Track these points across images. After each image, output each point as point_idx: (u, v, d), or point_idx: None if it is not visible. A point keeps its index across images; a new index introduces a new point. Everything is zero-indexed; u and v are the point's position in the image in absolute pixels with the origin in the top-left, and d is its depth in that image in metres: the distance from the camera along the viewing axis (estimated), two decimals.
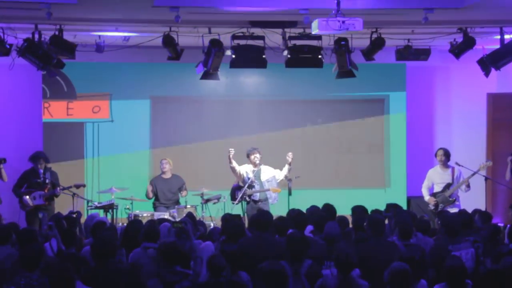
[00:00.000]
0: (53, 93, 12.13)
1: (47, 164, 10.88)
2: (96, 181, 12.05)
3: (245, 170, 10.97)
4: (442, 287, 5.99)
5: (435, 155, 11.10)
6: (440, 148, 11.13)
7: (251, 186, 10.87)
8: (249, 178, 10.85)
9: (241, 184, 10.99)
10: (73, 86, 12.19)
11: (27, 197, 10.64)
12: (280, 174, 11.05)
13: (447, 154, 10.93)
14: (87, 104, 12.23)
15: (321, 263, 6.60)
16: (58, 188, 10.74)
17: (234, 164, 10.92)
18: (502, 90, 12.55)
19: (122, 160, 12.19)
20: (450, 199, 10.77)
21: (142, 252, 7.01)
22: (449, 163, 10.95)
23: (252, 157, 10.95)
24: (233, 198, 10.99)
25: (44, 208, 10.62)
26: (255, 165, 10.95)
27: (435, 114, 13.16)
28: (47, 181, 10.72)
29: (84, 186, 11.07)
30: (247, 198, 10.84)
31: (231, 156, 10.84)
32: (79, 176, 11.95)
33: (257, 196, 10.88)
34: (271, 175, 11.01)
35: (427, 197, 11.00)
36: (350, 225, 8.21)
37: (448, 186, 10.84)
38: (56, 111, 12.18)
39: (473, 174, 10.78)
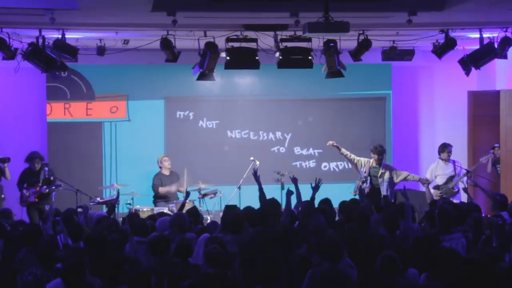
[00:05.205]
0: (73, 94, 12.14)
1: (43, 162, 10.89)
2: (114, 178, 12.03)
3: (363, 163, 10.79)
4: (426, 276, 5.85)
5: (442, 151, 11.01)
6: (448, 144, 11.06)
7: (364, 181, 10.67)
8: (364, 173, 10.70)
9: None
10: (92, 88, 12.19)
11: (25, 191, 10.72)
12: (401, 176, 10.72)
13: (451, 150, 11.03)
14: (105, 104, 12.24)
15: (310, 254, 6.45)
16: (45, 187, 10.69)
17: (345, 152, 10.85)
18: (482, 88, 12.50)
19: (139, 156, 12.11)
20: (454, 190, 10.85)
21: (136, 245, 6.99)
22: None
23: (378, 156, 10.73)
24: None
25: (40, 203, 10.60)
26: (379, 164, 10.72)
27: (419, 111, 13.17)
28: (40, 179, 10.73)
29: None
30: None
31: (335, 144, 10.82)
32: (98, 172, 12.05)
33: (365, 191, 10.43)
34: (388, 176, 10.65)
35: (432, 191, 10.93)
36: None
37: (451, 178, 10.91)
38: (76, 111, 12.20)
39: (475, 167, 10.99)
